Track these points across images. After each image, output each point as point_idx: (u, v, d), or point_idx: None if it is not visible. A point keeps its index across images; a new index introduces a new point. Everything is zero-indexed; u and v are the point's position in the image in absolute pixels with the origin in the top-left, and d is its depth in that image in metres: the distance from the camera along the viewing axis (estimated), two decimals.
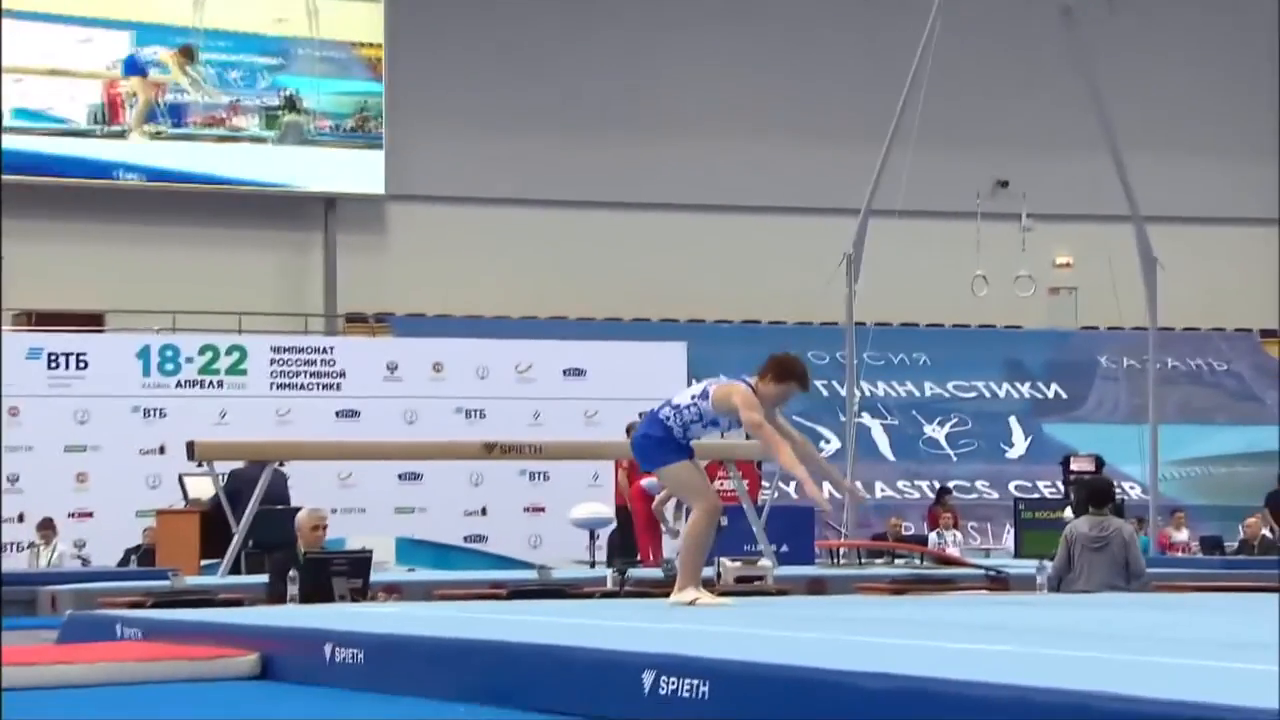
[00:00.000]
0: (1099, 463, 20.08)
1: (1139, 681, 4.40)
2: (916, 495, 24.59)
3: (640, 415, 19.05)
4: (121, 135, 25.06)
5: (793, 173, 27.35)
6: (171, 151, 25.28)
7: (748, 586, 12.24)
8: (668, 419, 7.94)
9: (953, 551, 17.63)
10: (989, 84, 27.41)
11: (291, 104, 25.81)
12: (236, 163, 25.60)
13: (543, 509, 20.53)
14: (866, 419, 24.80)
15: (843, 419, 20.62)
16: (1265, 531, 20.01)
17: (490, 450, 14.43)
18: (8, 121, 23.64)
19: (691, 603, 7.78)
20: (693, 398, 8.00)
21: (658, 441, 7.94)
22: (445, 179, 26.59)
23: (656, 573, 12.92)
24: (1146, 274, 18.70)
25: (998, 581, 13.78)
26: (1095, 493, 11.57)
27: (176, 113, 25.37)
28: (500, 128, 26.83)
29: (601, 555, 16.01)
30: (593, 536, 15.91)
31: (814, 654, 5.24)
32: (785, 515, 15.95)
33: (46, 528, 17.91)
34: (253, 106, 25.72)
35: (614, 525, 16.76)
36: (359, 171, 26.16)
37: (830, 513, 7.62)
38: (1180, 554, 19.52)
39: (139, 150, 25.16)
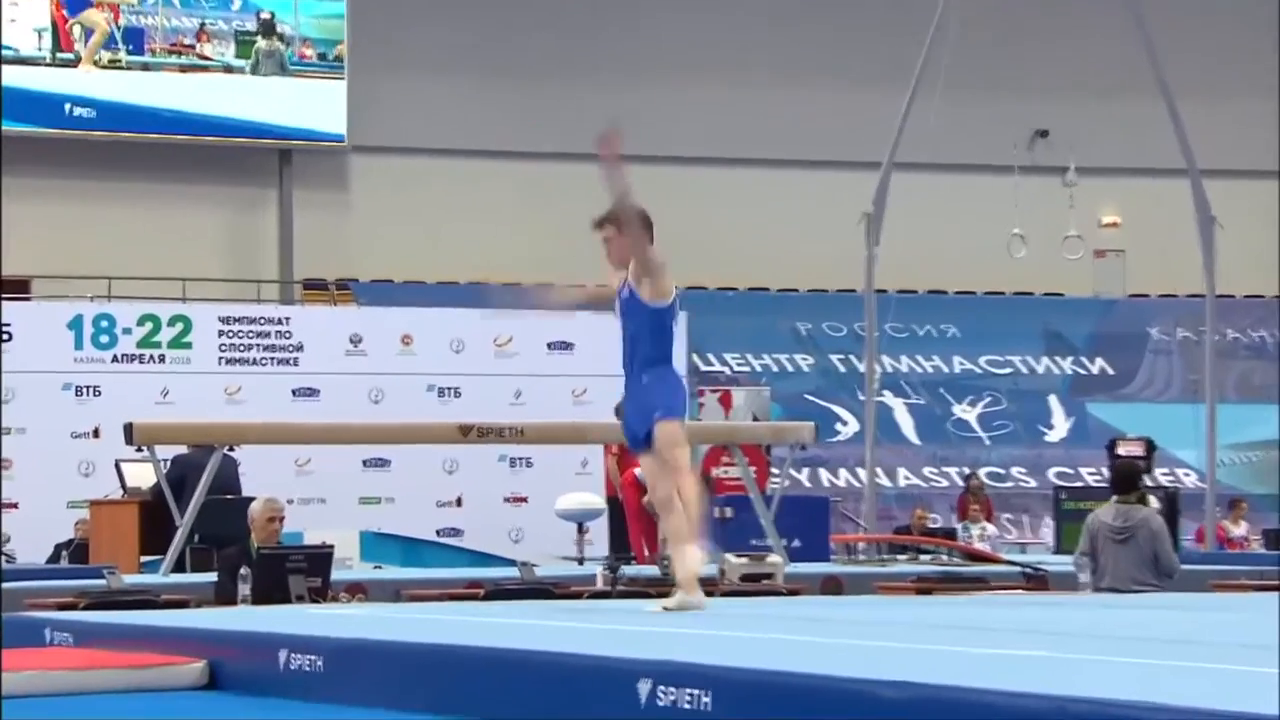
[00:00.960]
0: (1149, 446, 20.11)
1: (1183, 690, 4.43)
2: (944, 483, 24.63)
3: None
4: (72, 64, 25.02)
5: (806, 121, 27.31)
6: (125, 84, 25.15)
7: (755, 585, 12.28)
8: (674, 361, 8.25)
9: (984, 546, 17.68)
10: (1028, 22, 27.39)
11: (269, 28, 25.76)
12: (201, 98, 25.46)
13: (525, 499, 20.57)
14: (888, 398, 24.81)
15: (861, 398, 20.63)
16: None
17: (466, 433, 14.45)
18: None
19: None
20: (647, 323, 8.32)
21: (673, 385, 8.21)
22: (416, 127, 26.56)
23: (652, 570, 12.95)
24: (1203, 234, 18.68)
25: (1035, 580, 13.80)
26: (1120, 478, 11.60)
27: (134, 38, 25.32)
28: (479, 69, 26.80)
29: (590, 550, 16.03)
30: (581, 530, 15.94)
31: (828, 660, 5.26)
32: (797, 506, 15.98)
33: None
34: (224, 32, 25.67)
35: (604, 517, 16.79)
36: (318, 114, 26.09)
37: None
38: (1240, 549, 19.57)
39: (87, 82, 25.04)
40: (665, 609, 7.67)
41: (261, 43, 25.74)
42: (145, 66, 25.30)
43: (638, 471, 16.86)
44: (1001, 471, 25.10)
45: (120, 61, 25.18)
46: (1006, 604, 9.80)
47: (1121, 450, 20.04)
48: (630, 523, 16.92)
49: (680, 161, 27.30)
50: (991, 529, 20.66)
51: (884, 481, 23.10)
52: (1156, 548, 11.24)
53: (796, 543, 15.23)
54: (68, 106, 24.95)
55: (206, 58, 25.64)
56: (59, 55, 24.96)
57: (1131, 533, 11.21)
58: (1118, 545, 11.19)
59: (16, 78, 24.57)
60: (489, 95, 26.75)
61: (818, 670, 4.88)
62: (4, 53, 24.55)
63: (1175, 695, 4.24)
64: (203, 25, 25.62)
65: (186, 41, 25.56)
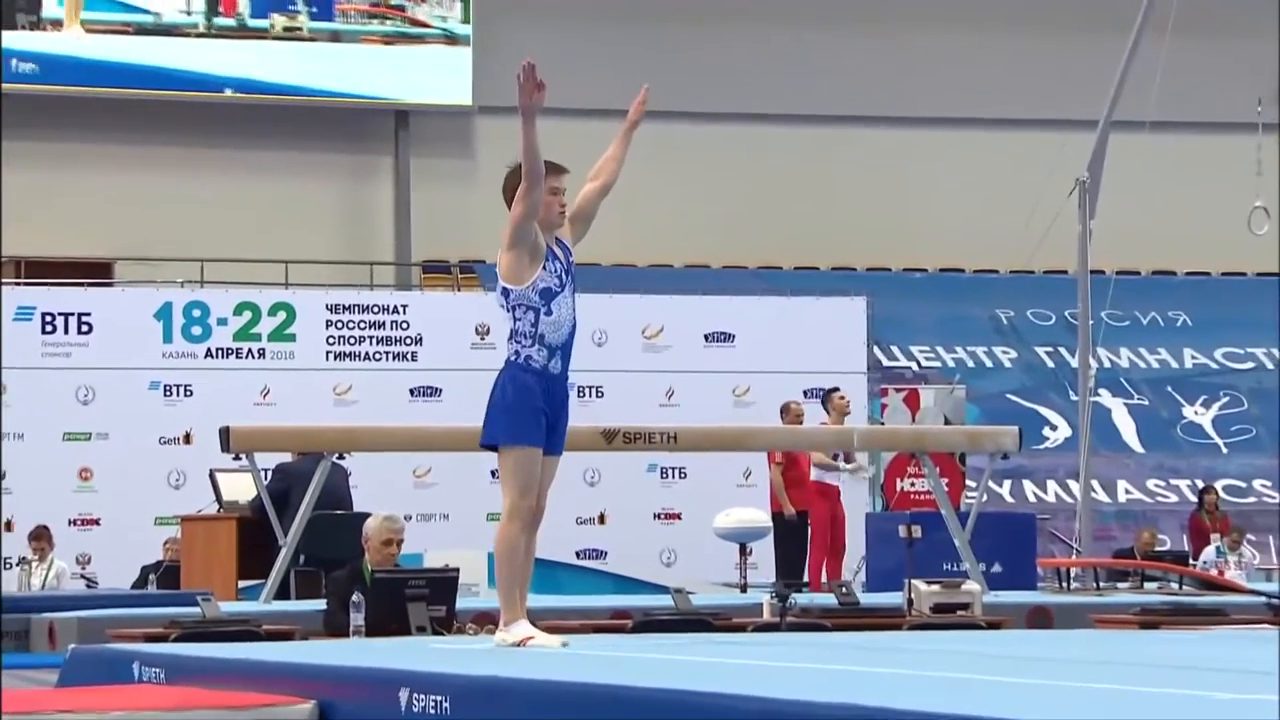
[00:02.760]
0: None
1: None
2: (1173, 498, 24.36)
3: (807, 394, 19.35)
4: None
5: (1006, 74, 27.11)
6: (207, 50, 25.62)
7: (949, 617, 12.22)
8: (520, 357, 8.27)
9: (1225, 573, 17.47)
10: None
11: None
12: (280, 65, 25.87)
13: (678, 516, 20.61)
14: (1105, 398, 24.57)
15: (1074, 398, 20.45)
16: None
17: (610, 439, 14.50)
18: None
19: (521, 643, 7.93)
20: (507, 310, 8.33)
21: (509, 402, 8.26)
22: (552, 85, 26.61)
23: (829, 599, 12.93)
24: None
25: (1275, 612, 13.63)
26: None
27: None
28: (624, 18, 26.86)
29: (754, 576, 16.04)
30: (744, 551, 15.95)
31: (1034, 705, 5.23)
32: (998, 525, 15.89)
33: (40, 538, 18.23)
34: None
35: (770, 537, 16.79)
36: (439, 70, 26.30)
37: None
38: None
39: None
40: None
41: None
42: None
43: (816, 475, 16.88)
44: (1242, 485, 24.77)
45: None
46: (1251, 641, 9.67)
47: None
48: (813, 543, 16.94)
49: (858, 121, 27.23)
50: (1236, 554, 20.38)
51: (1101, 496, 22.88)
52: None
53: (997, 567, 15.14)
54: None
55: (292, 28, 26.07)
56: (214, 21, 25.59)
57: None
58: None
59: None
60: (635, 48, 26.79)
61: (1024, 716, 4.85)
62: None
63: None
64: None
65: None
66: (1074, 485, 20.34)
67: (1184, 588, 15.29)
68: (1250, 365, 26.31)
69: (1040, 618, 13.42)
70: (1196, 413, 25.70)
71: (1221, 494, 23.02)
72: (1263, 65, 26.64)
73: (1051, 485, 24.17)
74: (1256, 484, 24.97)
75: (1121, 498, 24.34)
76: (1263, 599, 14.24)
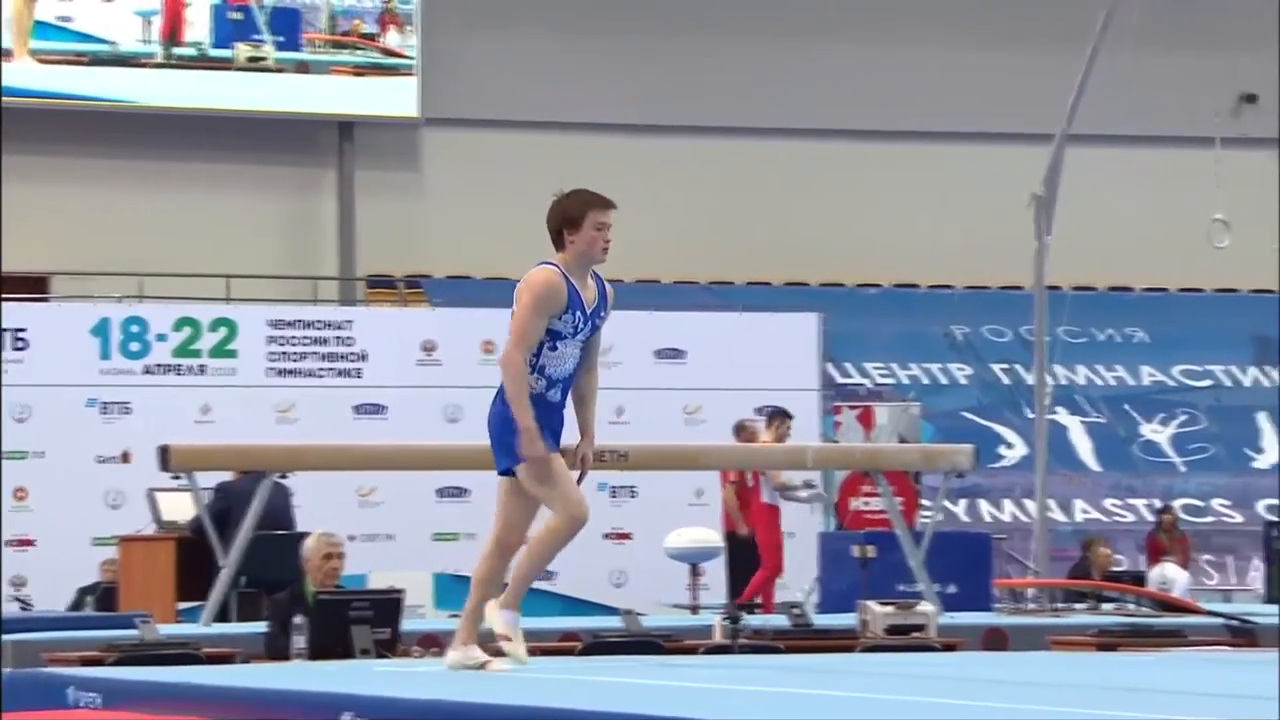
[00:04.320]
0: None
1: None
2: (1130, 517, 24.44)
3: (758, 411, 19.34)
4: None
5: (963, 88, 27.18)
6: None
7: (903, 639, 12.24)
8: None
9: (1181, 594, 17.53)
10: None
11: None
12: (223, 84, 25.71)
13: (628, 536, 20.59)
14: (1062, 416, 24.64)
15: (1030, 415, 20.49)
16: None
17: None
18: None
19: (503, 638, 7.99)
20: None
21: (505, 428, 8.14)
22: (501, 96, 26.67)
23: (782, 621, 12.94)
24: None
25: (1242, 634, 13.70)
26: None
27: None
28: (577, 29, 26.86)
29: (705, 597, 16.04)
30: (695, 572, 15.95)
31: None
32: (953, 545, 15.93)
33: None
34: None
35: (722, 557, 16.80)
36: (385, 81, 26.25)
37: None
38: None
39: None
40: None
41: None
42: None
43: (767, 496, 16.90)
44: (1200, 504, 24.86)
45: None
46: (1208, 663, 9.71)
47: None
48: (763, 560, 16.96)
49: (812, 135, 27.27)
50: (1188, 575, 20.46)
51: (1057, 516, 22.93)
52: None
53: (952, 588, 15.17)
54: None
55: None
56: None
57: None
58: None
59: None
60: (588, 59, 26.80)
61: None
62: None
63: None
64: None
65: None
66: (1030, 504, 20.41)
67: (1141, 609, 15.35)
68: (1208, 383, 26.41)
69: (996, 639, 13.46)
70: (1154, 431, 25.79)
71: (1180, 514, 23.11)
72: (1219, 78, 26.77)
73: (1007, 504, 24.22)
74: (1215, 503, 25.07)
75: (1078, 517, 24.40)
76: (1221, 621, 14.31)
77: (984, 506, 24.28)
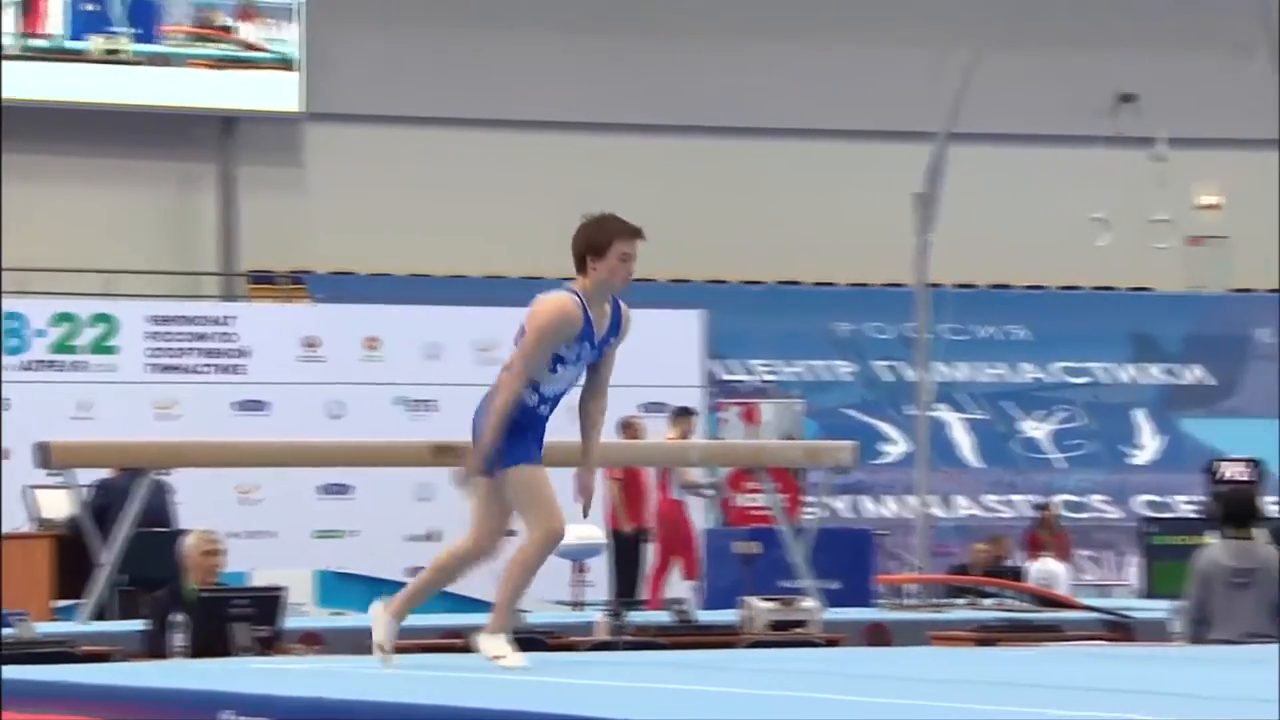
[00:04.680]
0: (1257, 470, 20.13)
1: None
2: (1010, 513, 24.61)
3: (640, 409, 19.34)
4: None
5: (847, 86, 27.29)
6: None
7: (785, 635, 12.27)
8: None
9: (1063, 589, 17.69)
10: None
11: None
12: (98, 78, 25.46)
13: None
14: (943, 412, 24.79)
15: (911, 412, 20.62)
16: None
17: (442, 454, 14.44)
18: None
19: (497, 658, 7.87)
20: (516, 342, 8.07)
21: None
22: (385, 91, 26.57)
23: (665, 617, 12.95)
24: None
25: (1119, 629, 13.83)
26: (1234, 509, 11.58)
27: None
28: (458, 25, 26.79)
29: (589, 594, 16.04)
30: (578, 569, 15.93)
31: None
32: (836, 541, 16.00)
33: None
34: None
35: (605, 554, 16.81)
36: (268, 75, 26.09)
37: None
38: None
39: None
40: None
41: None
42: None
43: (678, 493, 16.97)
44: (1079, 500, 25.08)
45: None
46: (1085, 658, 9.79)
47: (1223, 474, 20.06)
48: (660, 558, 17.01)
49: (694, 132, 27.31)
50: (1067, 568, 20.65)
51: (939, 512, 23.05)
52: (1278, 593, 11.23)
53: (835, 584, 15.23)
54: None
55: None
56: None
57: (1251, 576, 11.20)
58: (1235, 591, 11.17)
59: None
60: (472, 54, 26.74)
61: None
62: None
63: None
64: None
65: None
66: (912, 500, 20.53)
67: (1021, 604, 15.46)
68: (1088, 380, 26.65)
69: (878, 635, 13.51)
70: (1034, 427, 26.00)
71: (1059, 509, 23.30)
72: (1102, 77, 27.01)
73: (890, 500, 24.36)
74: (1093, 499, 25.30)
75: (959, 513, 24.57)
76: (1098, 616, 14.44)
77: (866, 503, 24.41)
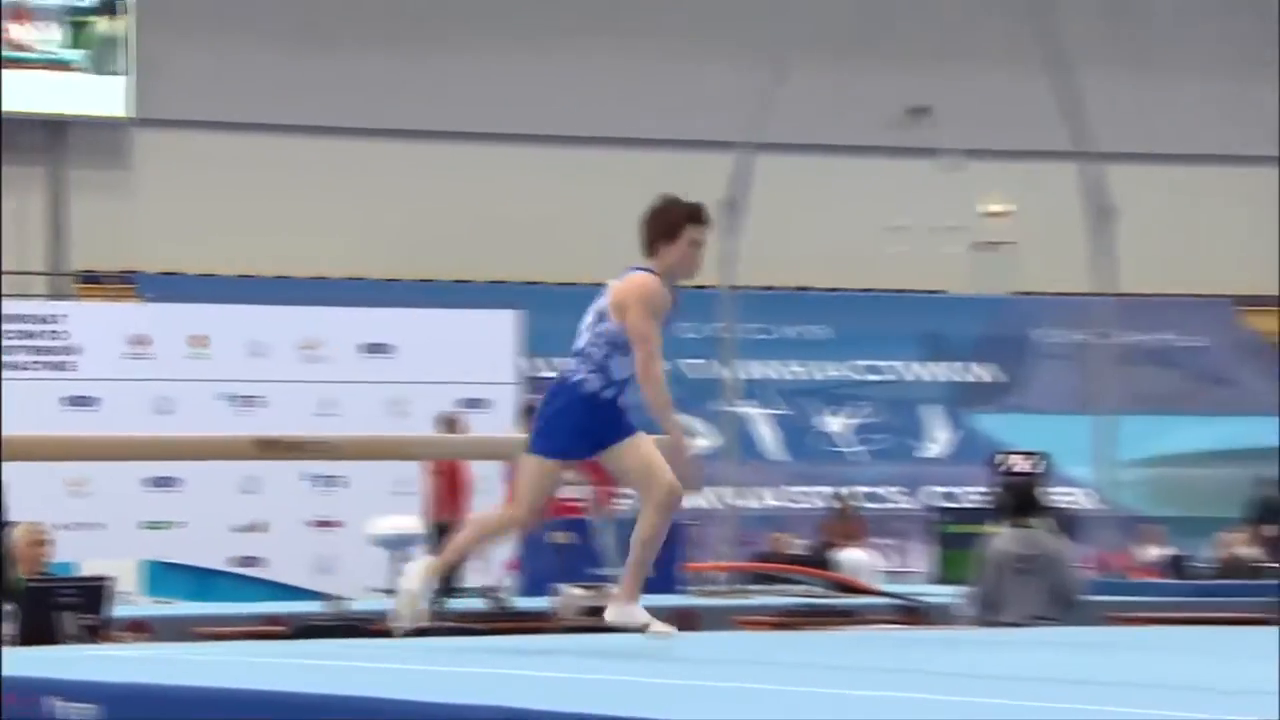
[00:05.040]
0: (1041, 463, 20.41)
1: None
2: (811, 504, 24.81)
3: (457, 404, 19.31)
4: None
5: (654, 95, 27.39)
6: None
7: (598, 620, 12.28)
8: (576, 376, 7.58)
9: (867, 577, 17.83)
10: None
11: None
12: None
13: (336, 523, 20.43)
14: (748, 408, 24.93)
15: (718, 409, 20.74)
16: (1242, 550, 20.46)
17: (267, 449, 14.30)
18: None
19: (644, 628, 7.72)
20: (590, 329, 7.65)
21: (557, 416, 7.57)
22: (210, 97, 26.31)
23: (481, 604, 12.92)
24: (1096, 225, 19.00)
25: (912, 613, 13.98)
26: (1019, 499, 11.77)
27: None
28: (279, 34, 26.59)
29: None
30: (398, 559, 15.84)
31: (678, 705, 5.27)
32: None
33: None
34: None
35: (424, 544, 16.74)
36: (97, 79, 25.75)
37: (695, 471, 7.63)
38: (1149, 577, 19.92)
39: None
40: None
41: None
42: None
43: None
44: (875, 491, 25.33)
45: None
46: (879, 641, 9.88)
47: (1008, 466, 20.31)
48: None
49: (515, 140, 27.32)
50: (864, 556, 20.82)
51: (744, 503, 23.21)
52: (1059, 578, 11.41)
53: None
54: None
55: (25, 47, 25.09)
56: None
57: (1034, 562, 11.37)
58: (1019, 576, 11.34)
59: None
60: (294, 63, 26.55)
61: (662, 716, 4.88)
62: None
63: None
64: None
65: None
66: (720, 492, 20.62)
67: (819, 590, 15.58)
68: (883, 377, 26.92)
69: (685, 621, 13.56)
70: (833, 423, 26.21)
71: (857, 500, 23.50)
72: (898, 90, 27.29)
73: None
74: (889, 490, 25.56)
75: (762, 504, 24.71)
76: (892, 601, 14.60)
77: None
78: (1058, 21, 18.66)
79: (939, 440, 26.49)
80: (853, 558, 19.20)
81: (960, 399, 26.99)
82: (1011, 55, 24.41)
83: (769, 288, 24.96)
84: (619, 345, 7.57)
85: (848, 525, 21.83)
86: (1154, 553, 21.64)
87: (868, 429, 26.30)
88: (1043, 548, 11.46)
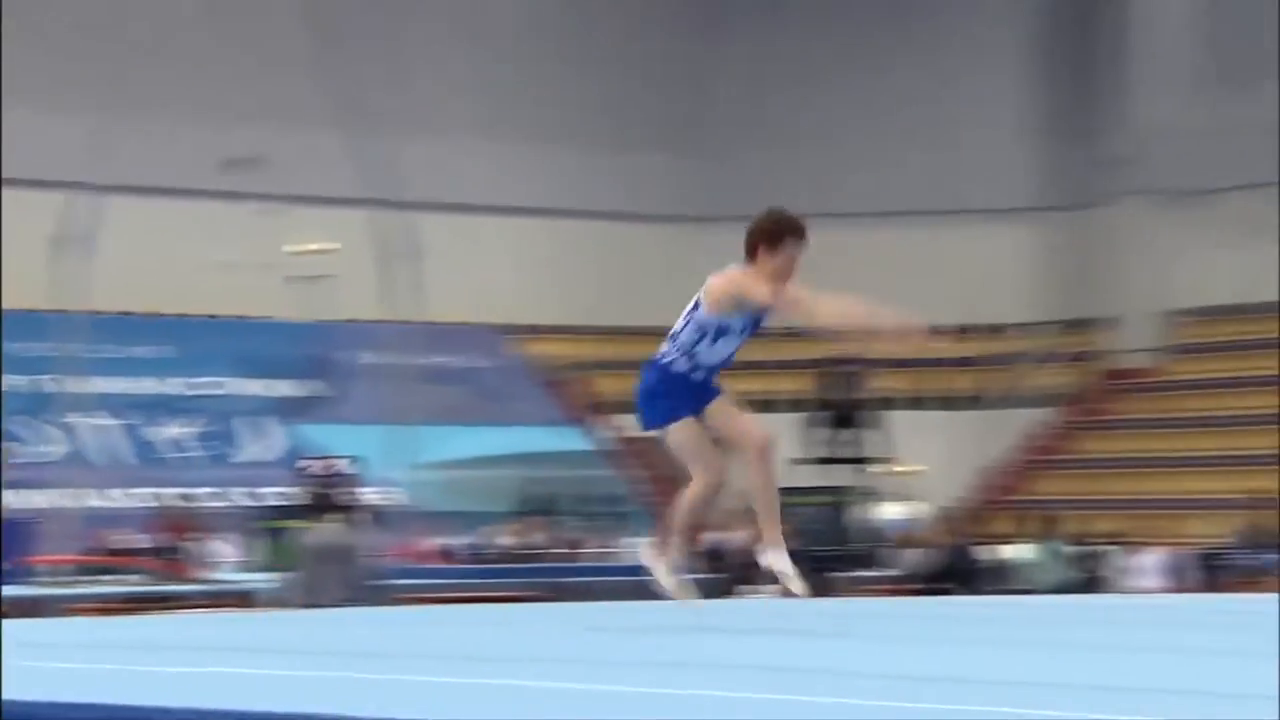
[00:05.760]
0: (344, 466, 20.59)
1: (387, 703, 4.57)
2: (149, 504, 24.39)
3: None
4: None
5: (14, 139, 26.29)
6: None
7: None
8: (667, 358, 7.21)
9: (206, 566, 17.60)
10: (236, 52, 27.35)
11: None
12: None
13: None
14: (94, 419, 24.38)
15: (63, 419, 20.19)
16: (512, 539, 21.08)
17: None
18: None
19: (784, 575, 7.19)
20: (685, 315, 7.28)
21: (651, 390, 7.19)
22: None
23: None
24: (405, 264, 19.33)
25: (237, 597, 13.93)
26: (319, 500, 11.96)
27: None
28: None
29: None
30: None
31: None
32: (9, 528, 15.45)
33: None
34: None
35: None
36: None
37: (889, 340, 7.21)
38: (434, 564, 20.26)
39: None
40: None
41: None
42: None
43: None
44: (206, 491, 25.08)
45: None
46: (204, 623, 9.77)
47: (315, 469, 20.40)
48: None
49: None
50: (193, 549, 20.51)
51: (88, 502, 22.64)
52: (355, 566, 11.57)
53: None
54: None
55: None
56: None
57: (335, 551, 11.50)
58: (325, 565, 11.44)
59: None
60: None
61: None
62: None
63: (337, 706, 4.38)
64: None
65: None
66: (63, 493, 19.99)
67: (152, 580, 15.33)
68: (217, 392, 26.80)
69: (29, 610, 13.12)
70: (168, 432, 25.85)
71: (190, 499, 23.18)
72: (222, 141, 26.88)
73: (48, 493, 23.75)
74: (218, 491, 25.32)
75: (107, 503, 24.12)
76: (217, 587, 14.49)
77: (34, 495, 23.74)
78: (381, 87, 18.88)
79: (262, 447, 26.48)
80: (204, 548, 18.85)
81: (284, 412, 27.04)
82: (347, 113, 24.59)
83: (126, 312, 24.42)
84: (707, 331, 7.22)
85: (182, 521, 21.48)
86: (442, 542, 22.09)
87: (201, 437, 26.08)
88: (341, 540, 11.61)
